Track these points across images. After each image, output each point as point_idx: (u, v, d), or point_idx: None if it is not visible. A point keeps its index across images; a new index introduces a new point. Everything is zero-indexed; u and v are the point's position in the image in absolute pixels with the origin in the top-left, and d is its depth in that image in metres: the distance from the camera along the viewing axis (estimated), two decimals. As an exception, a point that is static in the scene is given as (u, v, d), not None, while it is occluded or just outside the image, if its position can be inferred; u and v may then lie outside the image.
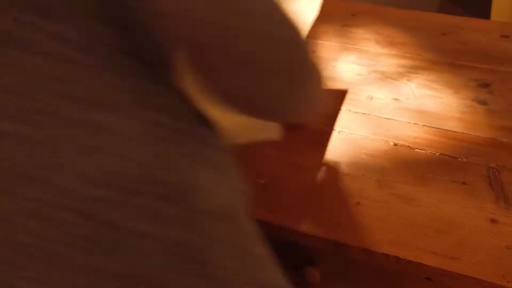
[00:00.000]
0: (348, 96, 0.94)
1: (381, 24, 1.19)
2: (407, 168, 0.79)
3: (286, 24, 0.45)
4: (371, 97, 0.94)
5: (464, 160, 0.80)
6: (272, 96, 0.48)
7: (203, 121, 0.51)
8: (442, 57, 1.07)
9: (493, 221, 0.70)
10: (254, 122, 0.74)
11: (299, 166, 0.82)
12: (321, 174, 0.80)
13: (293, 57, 0.47)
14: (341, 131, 0.88)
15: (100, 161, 0.41)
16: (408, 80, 0.99)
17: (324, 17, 1.23)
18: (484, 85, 0.97)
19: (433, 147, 0.83)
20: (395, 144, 0.84)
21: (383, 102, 0.93)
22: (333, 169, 0.81)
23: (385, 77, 1.01)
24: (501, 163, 0.79)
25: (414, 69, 1.03)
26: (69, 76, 0.40)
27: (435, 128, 0.87)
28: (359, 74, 1.01)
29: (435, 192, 0.74)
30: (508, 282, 0.62)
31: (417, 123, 0.88)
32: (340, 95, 0.95)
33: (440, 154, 0.81)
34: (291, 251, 0.82)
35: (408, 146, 0.83)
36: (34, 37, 0.39)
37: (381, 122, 0.89)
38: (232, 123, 0.67)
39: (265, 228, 0.72)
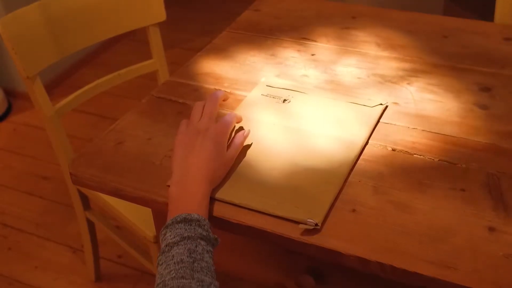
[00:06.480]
0: (347, 100, 0.93)
1: (381, 26, 1.17)
2: (405, 174, 0.77)
3: None
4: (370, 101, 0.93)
5: (464, 166, 0.78)
6: None
7: None
8: (443, 60, 1.05)
9: (491, 229, 0.68)
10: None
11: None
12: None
13: None
14: (339, 135, 0.86)
15: None
16: (408, 83, 0.98)
17: (324, 19, 1.22)
18: (486, 89, 0.96)
19: (432, 153, 0.81)
20: (393, 149, 0.82)
21: (382, 106, 0.91)
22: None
23: (385, 80, 0.99)
24: (501, 170, 0.77)
25: (414, 73, 1.01)
26: None
27: (435, 133, 0.85)
28: (358, 78, 1.00)
29: (432, 199, 0.73)
30: (505, 292, 0.61)
31: (416, 128, 0.86)
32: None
33: (439, 160, 0.80)
34: (286, 258, 0.80)
35: (406, 151, 0.82)
36: None
37: (379, 126, 0.87)
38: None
39: (260, 235, 0.71)
